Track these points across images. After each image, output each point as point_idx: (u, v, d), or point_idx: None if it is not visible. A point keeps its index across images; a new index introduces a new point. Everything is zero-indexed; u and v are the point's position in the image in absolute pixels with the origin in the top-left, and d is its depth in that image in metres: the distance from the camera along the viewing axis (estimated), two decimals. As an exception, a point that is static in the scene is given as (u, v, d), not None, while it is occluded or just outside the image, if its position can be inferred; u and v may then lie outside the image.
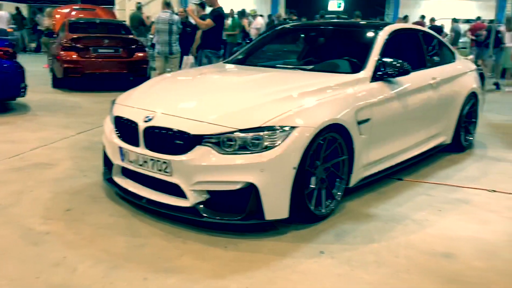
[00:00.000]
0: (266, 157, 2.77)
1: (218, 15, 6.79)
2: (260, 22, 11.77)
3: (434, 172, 4.37)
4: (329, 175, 3.23)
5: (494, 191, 3.89)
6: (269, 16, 15.58)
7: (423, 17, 14.63)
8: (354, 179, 3.48)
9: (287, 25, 5.41)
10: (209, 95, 3.35)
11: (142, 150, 3.04)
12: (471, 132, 5.24)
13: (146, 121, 3.02)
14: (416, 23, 14.00)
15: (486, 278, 2.54)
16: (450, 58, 5.09)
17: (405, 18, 13.87)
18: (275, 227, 3.00)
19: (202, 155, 2.80)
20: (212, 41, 6.84)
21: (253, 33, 11.78)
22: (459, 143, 4.97)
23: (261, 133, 2.81)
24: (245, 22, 13.92)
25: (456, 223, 3.25)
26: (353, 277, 2.49)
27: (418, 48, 4.59)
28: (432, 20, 15.08)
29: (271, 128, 2.83)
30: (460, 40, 14.73)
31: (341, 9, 21.13)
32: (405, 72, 3.74)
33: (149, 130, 3.00)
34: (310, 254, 2.71)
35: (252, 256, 2.67)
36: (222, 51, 7.08)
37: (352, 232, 3.02)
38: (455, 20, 13.95)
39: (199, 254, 2.68)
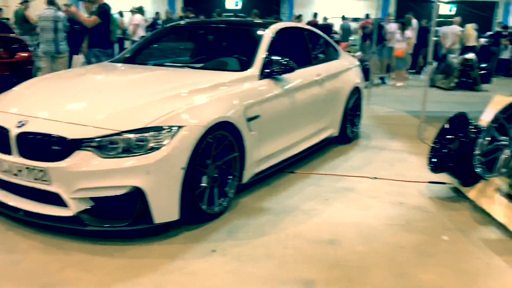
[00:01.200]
0: (152, 158, 2.70)
1: (104, 11, 6.47)
2: (137, 19, 11.40)
3: (323, 163, 4.60)
4: (221, 173, 3.24)
5: (376, 178, 4.18)
6: (156, 14, 15.27)
7: (315, 15, 15.30)
8: (247, 175, 3.53)
9: (181, 22, 5.35)
10: (90, 96, 3.19)
11: (15, 158, 2.80)
12: (356, 124, 5.60)
13: (18, 127, 2.79)
14: (310, 21, 14.63)
15: (366, 261, 2.72)
16: (335, 55, 5.38)
17: (299, 17, 14.41)
18: (166, 230, 2.94)
19: (82, 160, 2.65)
20: (100, 39, 6.50)
21: (131, 29, 11.37)
22: (346, 135, 5.28)
23: (146, 134, 2.73)
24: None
25: (341, 211, 3.44)
26: (242, 272, 2.53)
27: (304, 46, 4.78)
28: (325, 19, 15.84)
29: (156, 128, 2.76)
30: (351, 38, 15.68)
31: (239, 7, 21.40)
32: (291, 69, 3.87)
33: (23, 136, 2.77)
34: (201, 254, 2.70)
35: (140, 261, 2.59)
36: (110, 49, 6.74)
37: (244, 228, 3.06)
38: (343, 18, 14.79)
39: (83, 265, 2.54)
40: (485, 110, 3.99)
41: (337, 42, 13.57)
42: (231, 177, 3.34)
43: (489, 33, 15.99)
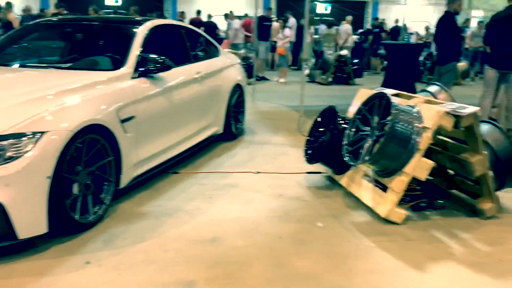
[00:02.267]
0: (11, 169, 2.46)
1: None
2: None
3: (208, 161, 4.60)
4: (95, 179, 3.06)
5: (259, 172, 4.30)
6: (41, 10, 14.10)
7: (199, 12, 15.23)
8: (125, 180, 3.39)
9: (53, 19, 4.97)
10: None
11: None
12: (241, 121, 5.70)
13: None
14: (194, 19, 14.54)
15: (247, 255, 2.77)
16: (215, 53, 5.40)
17: (182, 14, 14.25)
18: (34, 245, 2.71)
19: None
20: None
21: None
22: (231, 131, 5.35)
23: (4, 142, 2.49)
24: (11, 16, 12.36)
25: (224, 207, 3.47)
26: (120, 281, 2.42)
27: (181, 44, 4.72)
28: (209, 16, 15.85)
29: (16, 135, 2.53)
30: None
31: (119, 3, 20.53)
32: (168, 68, 3.79)
33: None
34: (74, 267, 2.53)
35: (4, 282, 2.35)
36: None
37: (122, 235, 2.94)
38: (226, 16, 14.94)
39: None
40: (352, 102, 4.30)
41: (222, 40, 13.70)
42: (107, 182, 3.18)
43: (360, 30, 17.35)
